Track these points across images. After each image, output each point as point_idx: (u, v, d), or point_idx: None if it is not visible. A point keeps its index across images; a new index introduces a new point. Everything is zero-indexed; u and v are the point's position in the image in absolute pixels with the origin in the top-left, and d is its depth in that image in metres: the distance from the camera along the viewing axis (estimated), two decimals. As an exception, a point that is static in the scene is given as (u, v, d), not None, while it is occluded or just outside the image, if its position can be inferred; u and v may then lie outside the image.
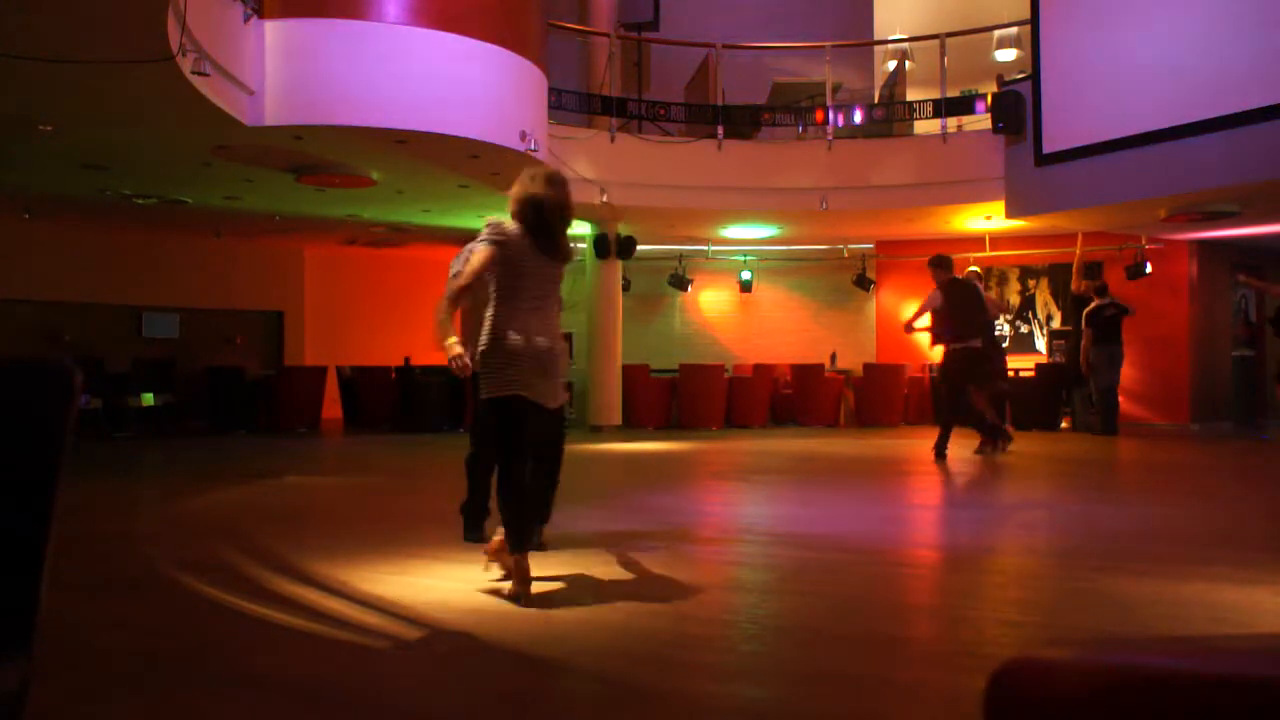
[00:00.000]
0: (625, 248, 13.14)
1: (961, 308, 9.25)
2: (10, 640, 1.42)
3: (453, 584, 4.14)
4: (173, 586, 4.15)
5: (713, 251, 15.16)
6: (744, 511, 6.74)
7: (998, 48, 12.83)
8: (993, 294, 9.66)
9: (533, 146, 9.32)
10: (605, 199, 11.59)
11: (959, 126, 12.15)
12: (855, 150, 12.32)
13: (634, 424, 13.41)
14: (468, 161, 9.52)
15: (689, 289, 15.10)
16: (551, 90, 10.41)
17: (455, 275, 4.42)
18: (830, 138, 12.21)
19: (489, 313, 4.09)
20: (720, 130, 12.15)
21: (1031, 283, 14.44)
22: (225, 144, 8.61)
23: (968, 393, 9.37)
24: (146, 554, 4.91)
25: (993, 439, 9.55)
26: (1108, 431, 11.87)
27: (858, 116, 12.46)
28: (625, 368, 13.29)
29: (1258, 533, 5.52)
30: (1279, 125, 8.61)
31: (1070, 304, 12.64)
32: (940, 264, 9.41)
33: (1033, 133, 10.97)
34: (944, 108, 11.97)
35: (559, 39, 11.83)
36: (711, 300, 15.67)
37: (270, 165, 9.50)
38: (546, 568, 4.41)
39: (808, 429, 13.58)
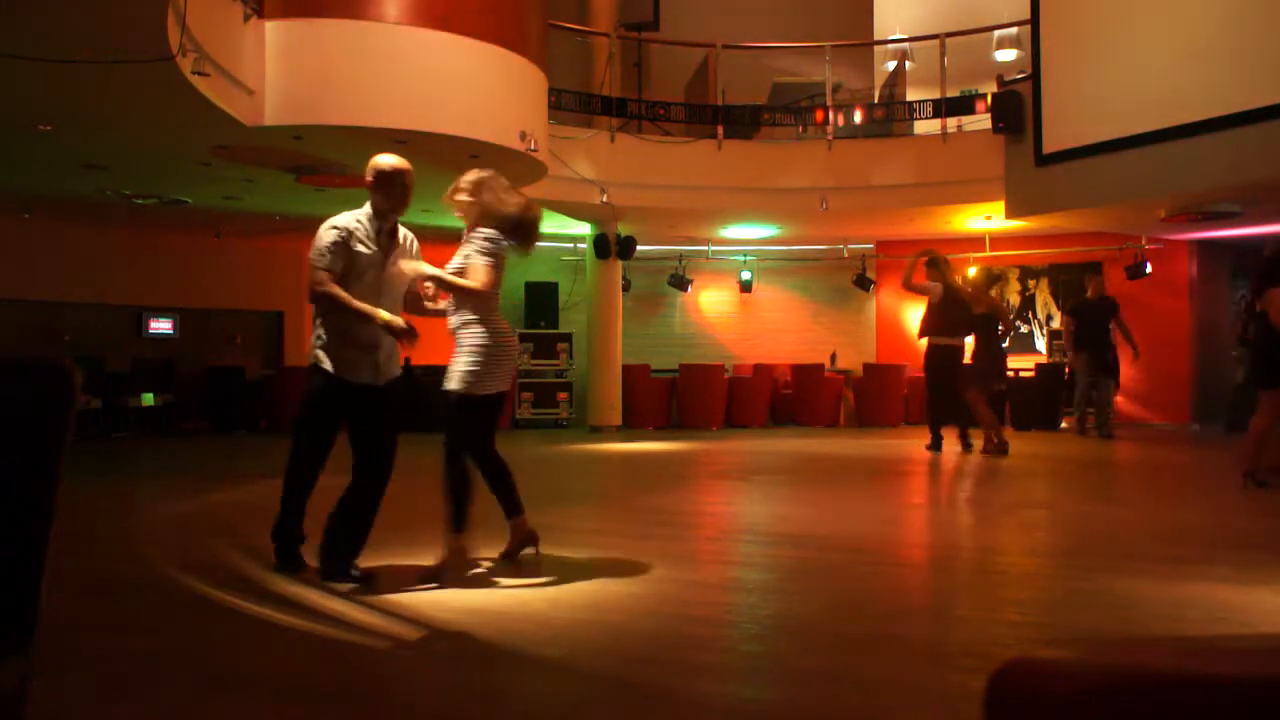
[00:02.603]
0: (625, 248, 13.14)
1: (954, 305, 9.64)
2: (10, 640, 1.42)
3: (452, 584, 4.14)
4: (173, 586, 4.15)
5: (713, 251, 15.16)
6: (744, 511, 6.73)
7: (998, 48, 12.82)
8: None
9: (533, 146, 9.32)
10: (605, 199, 11.59)
11: (959, 126, 12.14)
12: (855, 150, 12.32)
13: (634, 424, 13.41)
14: (468, 161, 9.47)
15: (689, 289, 15.10)
16: (551, 90, 10.41)
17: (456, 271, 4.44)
18: (830, 138, 12.21)
19: (482, 315, 4.34)
20: (720, 130, 12.14)
21: (1032, 283, 14.44)
22: (225, 144, 8.61)
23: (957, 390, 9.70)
24: (146, 554, 4.90)
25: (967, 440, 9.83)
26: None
27: (858, 116, 12.45)
28: (625, 368, 13.29)
29: (1258, 533, 5.52)
30: (1279, 125, 8.60)
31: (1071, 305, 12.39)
32: (937, 263, 9.77)
33: (1033, 133, 10.96)
34: (944, 108, 11.96)
35: (559, 39, 11.82)
36: (711, 300, 15.67)
37: (270, 165, 9.49)
38: (546, 567, 4.41)
39: (808, 429, 13.58)
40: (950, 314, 9.54)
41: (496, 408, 4.46)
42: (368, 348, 4.22)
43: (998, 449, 9.44)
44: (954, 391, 9.64)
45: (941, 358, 9.60)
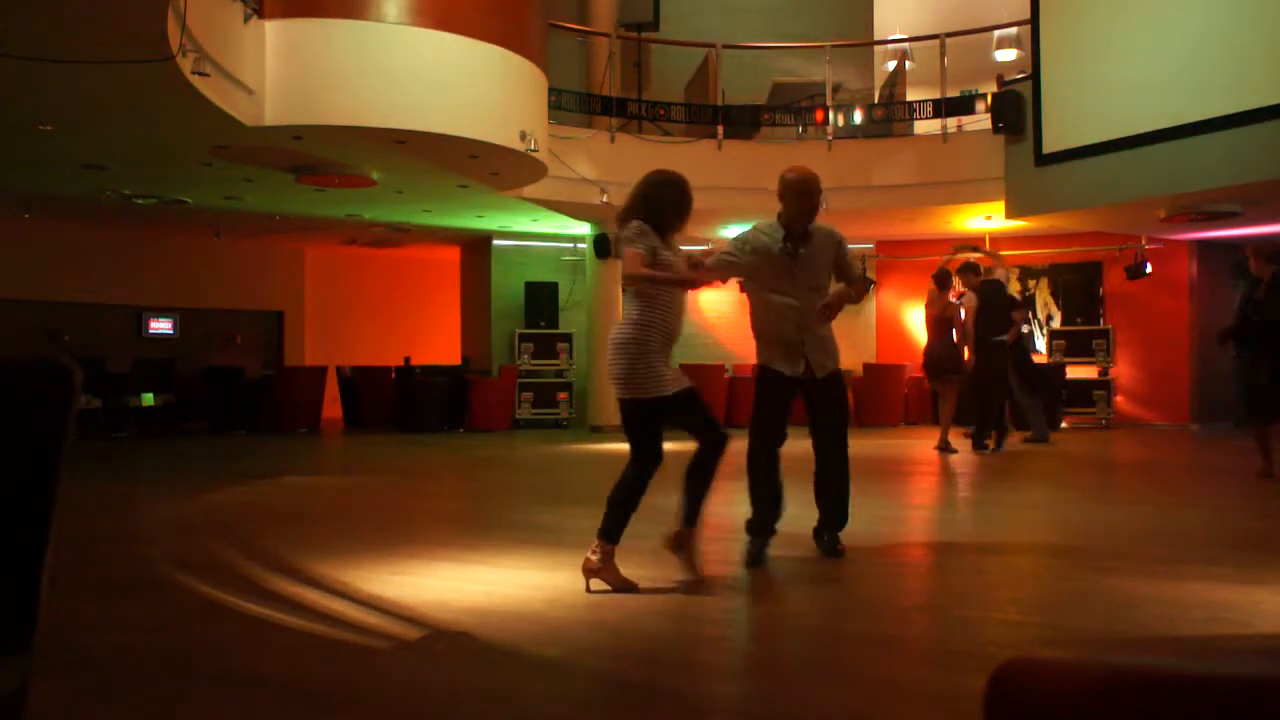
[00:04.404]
0: (625, 248, 13.13)
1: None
2: (10, 640, 1.42)
3: (453, 584, 4.14)
4: (173, 586, 4.15)
5: (713, 251, 15.14)
6: (744, 512, 6.72)
7: (998, 48, 12.83)
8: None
9: (533, 146, 9.32)
10: (605, 199, 11.59)
11: (959, 126, 12.14)
12: (855, 150, 12.32)
13: (634, 424, 13.38)
14: (467, 161, 9.52)
15: (688, 287, 15.08)
16: (551, 90, 10.41)
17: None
18: (830, 138, 12.21)
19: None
20: (720, 130, 12.14)
21: (1031, 283, 14.43)
22: (225, 144, 8.61)
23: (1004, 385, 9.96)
24: (146, 554, 4.91)
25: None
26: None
27: (858, 116, 12.45)
28: (625, 368, 13.27)
29: (1257, 533, 5.52)
30: (1279, 125, 8.60)
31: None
32: (969, 269, 10.14)
33: (1033, 133, 10.96)
34: (944, 108, 11.96)
35: (559, 39, 11.82)
36: (711, 300, 15.66)
37: (270, 165, 9.49)
38: (545, 567, 4.41)
39: (808, 429, 13.55)
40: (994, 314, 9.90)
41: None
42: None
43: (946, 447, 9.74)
44: (1004, 389, 9.93)
45: (992, 356, 9.82)
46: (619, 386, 4.13)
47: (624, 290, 4.35)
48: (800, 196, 4.58)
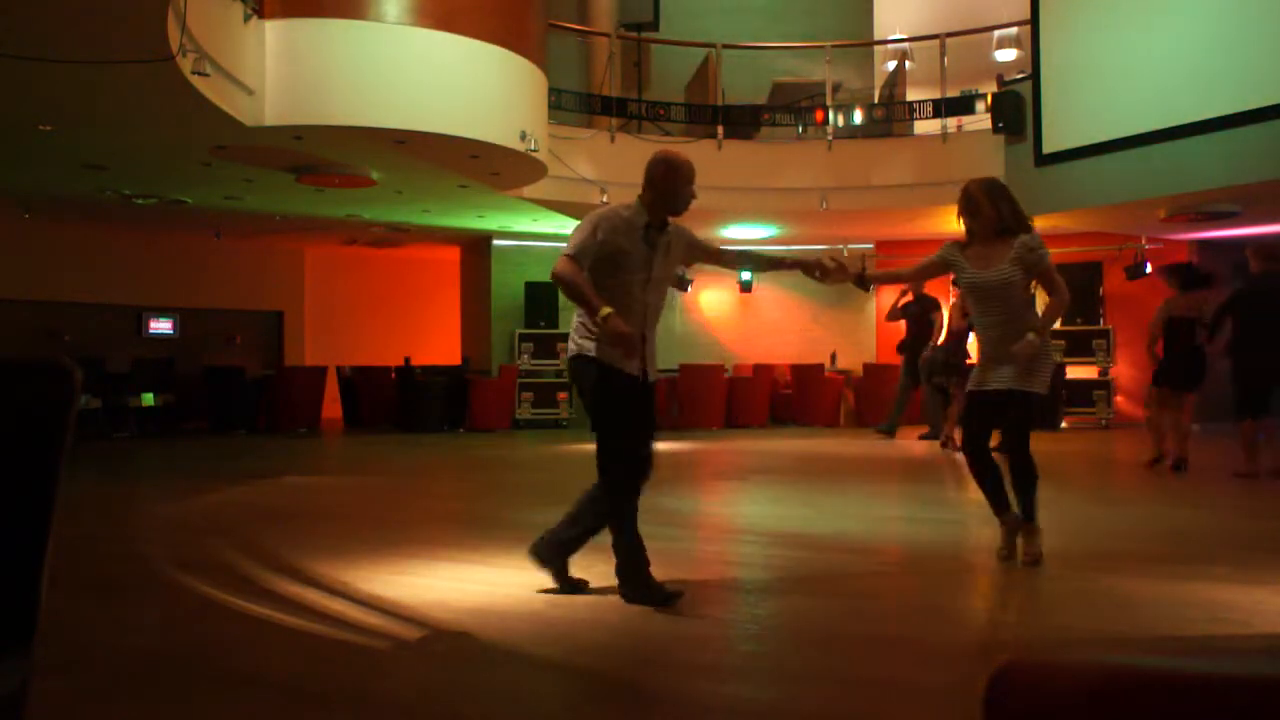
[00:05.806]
0: (625, 248, 13.12)
1: None
2: (10, 640, 1.42)
3: (453, 584, 4.14)
4: (173, 586, 4.15)
5: (713, 251, 15.13)
6: (744, 511, 6.73)
7: (998, 48, 12.82)
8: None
9: (533, 146, 9.32)
10: (605, 199, 11.59)
11: (959, 126, 12.14)
12: (855, 150, 12.31)
13: (634, 424, 13.37)
14: (467, 161, 9.52)
15: (689, 289, 15.09)
16: (551, 90, 10.41)
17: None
18: (830, 138, 12.21)
19: None
20: (720, 130, 12.14)
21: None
22: (225, 144, 8.61)
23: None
24: (146, 554, 4.91)
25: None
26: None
27: (858, 116, 12.45)
28: (625, 368, 13.26)
29: (1258, 532, 5.52)
30: (1279, 125, 8.61)
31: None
32: None
33: (1033, 133, 10.96)
34: (944, 108, 11.96)
35: (559, 39, 11.82)
36: (711, 300, 15.66)
37: (270, 165, 9.49)
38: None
39: (808, 429, 13.57)
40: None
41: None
42: None
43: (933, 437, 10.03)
44: None
45: None
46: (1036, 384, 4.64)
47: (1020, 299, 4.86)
48: (689, 183, 4.01)
